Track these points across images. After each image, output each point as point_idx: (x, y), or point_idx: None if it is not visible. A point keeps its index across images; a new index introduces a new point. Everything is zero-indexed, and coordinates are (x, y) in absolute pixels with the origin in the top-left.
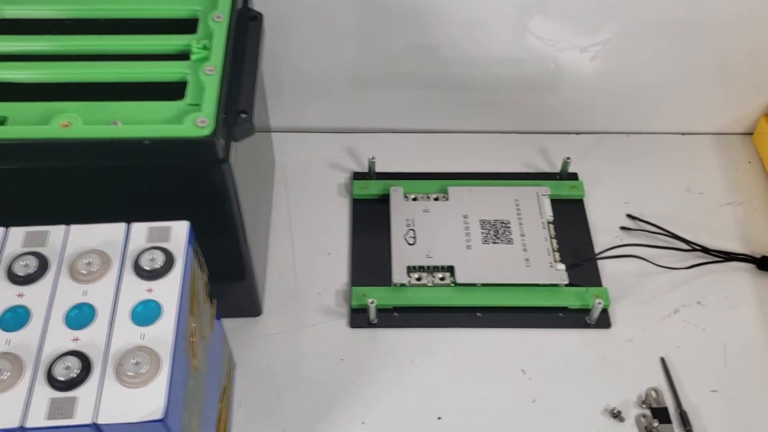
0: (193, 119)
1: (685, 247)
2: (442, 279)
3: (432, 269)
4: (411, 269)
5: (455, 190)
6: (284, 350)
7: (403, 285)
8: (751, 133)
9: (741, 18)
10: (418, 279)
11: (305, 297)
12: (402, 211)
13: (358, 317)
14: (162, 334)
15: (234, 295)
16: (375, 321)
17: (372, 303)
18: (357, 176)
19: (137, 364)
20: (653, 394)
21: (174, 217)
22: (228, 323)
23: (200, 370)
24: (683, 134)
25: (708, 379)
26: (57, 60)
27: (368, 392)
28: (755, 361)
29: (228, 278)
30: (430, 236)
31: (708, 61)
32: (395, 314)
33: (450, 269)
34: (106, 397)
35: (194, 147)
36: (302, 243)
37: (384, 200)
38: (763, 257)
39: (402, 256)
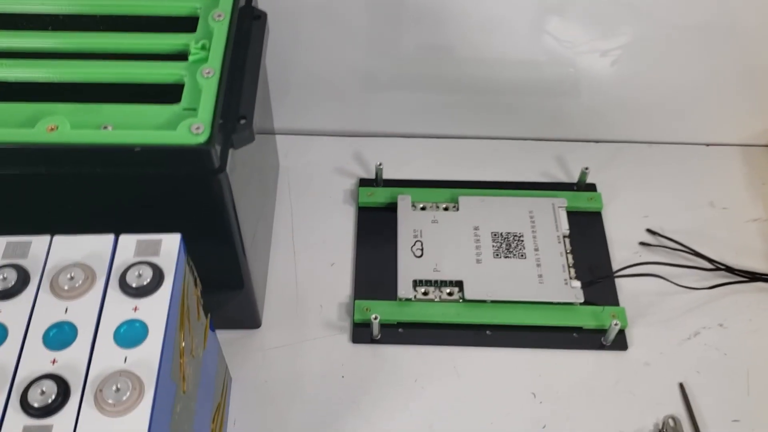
0: (188, 125)
1: (708, 265)
2: (450, 294)
3: (439, 284)
4: (417, 283)
5: (466, 200)
6: (283, 365)
7: (408, 300)
8: None
9: None
10: (425, 294)
11: (306, 309)
12: (409, 220)
13: (361, 332)
14: (147, 357)
15: (232, 306)
16: (378, 337)
17: (375, 319)
18: (363, 183)
19: (118, 390)
20: (671, 422)
21: (166, 227)
22: (225, 335)
23: (190, 392)
24: (707, 145)
25: (730, 408)
26: (47, 58)
27: (369, 412)
28: None
29: (225, 289)
30: (439, 248)
31: (734, 68)
32: (400, 330)
33: (459, 284)
34: (84, 427)
35: (188, 155)
36: (305, 252)
37: (391, 209)
38: None
39: (408, 269)
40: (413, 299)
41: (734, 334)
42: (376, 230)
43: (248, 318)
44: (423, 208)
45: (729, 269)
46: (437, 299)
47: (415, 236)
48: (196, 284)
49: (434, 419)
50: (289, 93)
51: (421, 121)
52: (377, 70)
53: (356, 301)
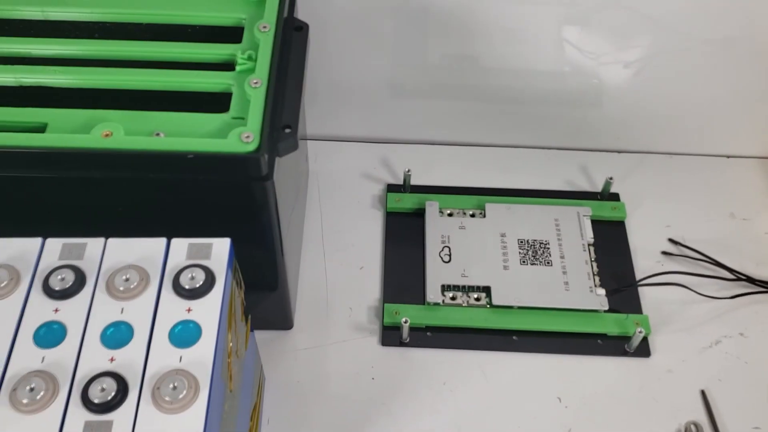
0: (238, 134)
1: (729, 276)
2: (477, 299)
3: (467, 289)
4: (445, 288)
5: (493, 207)
6: (314, 366)
7: (437, 304)
8: None
9: None
10: (453, 298)
11: (336, 312)
12: (437, 226)
13: (390, 335)
14: (201, 357)
15: (266, 307)
16: (407, 340)
17: (405, 322)
18: (391, 188)
19: (175, 388)
20: (693, 428)
21: (211, 231)
22: (258, 336)
23: (235, 391)
24: (728, 157)
25: (750, 415)
26: (99, 65)
27: (399, 413)
28: None
29: (261, 290)
30: (466, 254)
31: (756, 82)
32: (428, 334)
33: (486, 290)
34: (142, 423)
35: (238, 163)
36: (334, 255)
37: (419, 214)
38: None
39: (436, 274)
40: (441, 304)
41: (755, 343)
42: (404, 235)
43: (281, 319)
44: (450, 215)
45: (750, 280)
46: (465, 304)
47: (443, 242)
48: (240, 286)
49: (462, 421)
50: (319, 99)
51: (448, 128)
52: (405, 78)
53: (386, 305)
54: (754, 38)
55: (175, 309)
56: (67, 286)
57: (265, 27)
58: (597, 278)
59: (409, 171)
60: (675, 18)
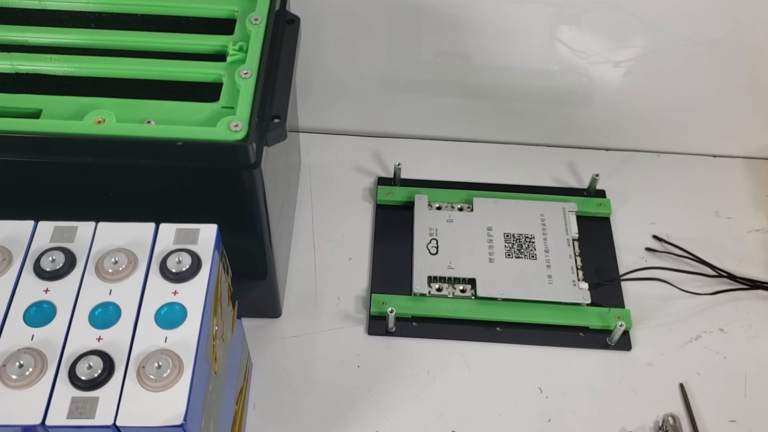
0: (227, 123)
1: (711, 272)
2: (462, 291)
3: (453, 281)
4: (432, 279)
5: (480, 202)
6: (301, 353)
7: (423, 295)
8: None
9: None
10: (439, 290)
11: (324, 301)
12: (425, 219)
13: (377, 324)
14: (186, 338)
15: (255, 295)
16: (393, 329)
17: (391, 312)
18: (382, 181)
19: (159, 367)
20: (670, 420)
21: (200, 217)
22: (247, 323)
23: (220, 373)
24: (714, 156)
25: (727, 409)
26: (94, 54)
27: (383, 401)
28: None
29: (250, 278)
30: (453, 247)
31: (743, 84)
32: (414, 324)
33: (471, 282)
34: (127, 400)
35: (227, 151)
36: (324, 246)
37: (408, 207)
38: None
39: (423, 266)
40: (427, 294)
41: (734, 339)
42: (393, 227)
43: (269, 307)
44: (438, 208)
45: (731, 276)
46: (450, 295)
47: (431, 234)
48: (226, 272)
49: (444, 409)
50: (313, 93)
51: (439, 124)
52: (397, 74)
53: (373, 295)
54: (741, 40)
55: (161, 291)
56: (58, 267)
57: (256, 19)
58: (581, 272)
59: (399, 165)
60: (664, 19)
